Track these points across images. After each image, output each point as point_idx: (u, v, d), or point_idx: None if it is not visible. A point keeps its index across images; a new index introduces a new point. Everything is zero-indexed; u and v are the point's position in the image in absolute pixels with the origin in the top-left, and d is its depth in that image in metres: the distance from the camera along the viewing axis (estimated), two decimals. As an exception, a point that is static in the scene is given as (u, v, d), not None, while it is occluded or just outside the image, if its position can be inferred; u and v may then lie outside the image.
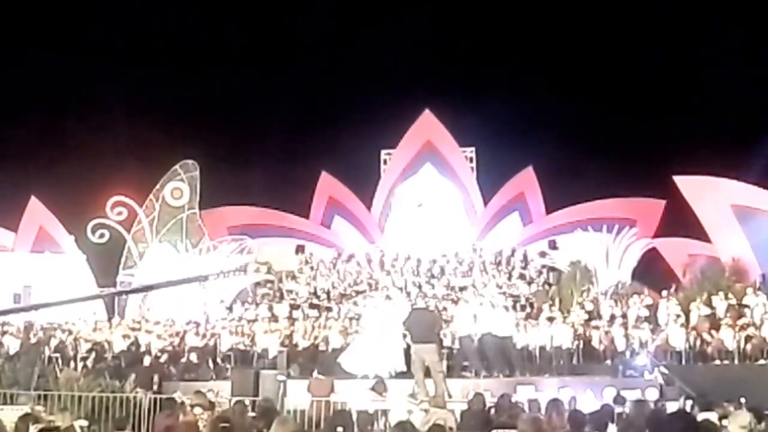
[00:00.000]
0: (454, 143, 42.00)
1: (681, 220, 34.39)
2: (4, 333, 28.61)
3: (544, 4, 42.57)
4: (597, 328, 26.35)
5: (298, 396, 20.43)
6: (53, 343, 27.57)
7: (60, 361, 25.79)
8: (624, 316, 27.52)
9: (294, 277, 37.38)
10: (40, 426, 8.46)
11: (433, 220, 40.46)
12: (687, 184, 33.11)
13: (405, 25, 43.04)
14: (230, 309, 33.12)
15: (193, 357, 26.90)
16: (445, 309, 29.61)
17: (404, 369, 21.48)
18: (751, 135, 33.82)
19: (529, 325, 26.49)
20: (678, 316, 26.08)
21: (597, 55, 40.32)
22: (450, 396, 18.03)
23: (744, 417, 8.27)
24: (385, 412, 16.16)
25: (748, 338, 24.44)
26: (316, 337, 27.23)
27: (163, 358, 26.72)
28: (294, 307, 32.80)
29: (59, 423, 10.72)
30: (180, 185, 38.87)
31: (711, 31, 37.79)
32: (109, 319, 32.03)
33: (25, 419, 9.08)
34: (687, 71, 37.85)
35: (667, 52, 39.37)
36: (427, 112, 41.81)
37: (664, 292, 28.31)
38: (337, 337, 26.36)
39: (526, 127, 39.87)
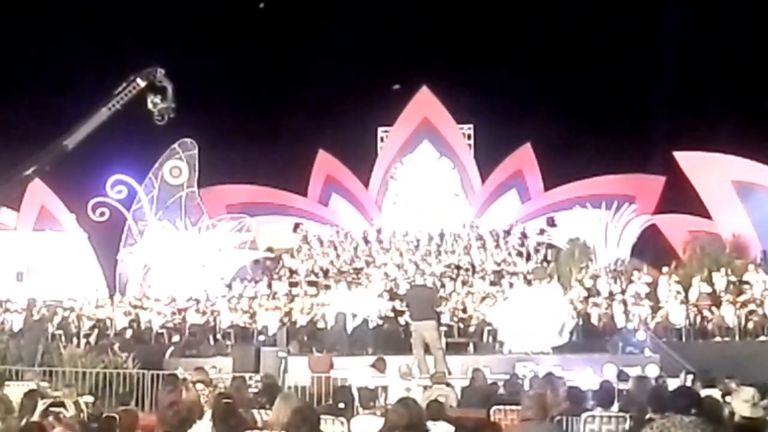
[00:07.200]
0: (451, 120, 41.98)
1: (681, 197, 34.40)
2: (7, 310, 28.77)
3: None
4: (596, 305, 26.38)
5: (298, 372, 20.48)
6: (56, 320, 27.65)
7: (63, 338, 25.88)
8: (623, 292, 27.57)
9: (293, 255, 37.47)
10: (47, 402, 8.49)
11: (431, 198, 40.52)
12: (687, 160, 33.09)
13: (402, 2, 42.99)
14: (230, 286, 33.20)
15: (194, 333, 27.07)
16: (443, 286, 29.73)
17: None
18: (752, 110, 33.85)
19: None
20: (678, 292, 26.14)
21: (595, 30, 40.24)
22: (450, 372, 18.10)
23: (747, 392, 8.32)
24: (385, 389, 16.17)
25: (748, 315, 24.48)
26: (315, 315, 27.32)
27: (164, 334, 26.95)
28: (293, 284, 32.89)
29: (65, 399, 10.74)
30: (179, 164, 38.81)
31: (711, 4, 37.73)
32: (111, 297, 32.16)
33: (32, 395, 9.10)
34: (687, 46, 37.75)
35: (666, 27, 39.23)
36: (424, 89, 41.77)
37: (665, 269, 28.38)
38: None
39: (524, 103, 39.89)
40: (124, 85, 22.53)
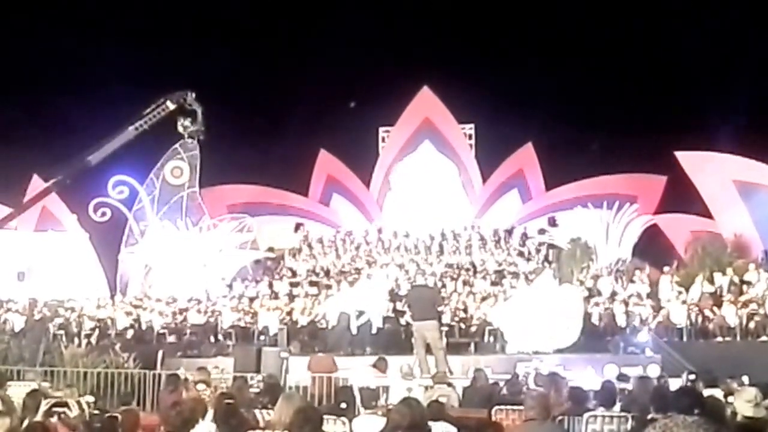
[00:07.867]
0: (452, 120, 41.93)
1: (682, 196, 34.29)
2: (8, 310, 28.77)
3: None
4: (597, 305, 26.36)
5: (299, 372, 20.47)
6: (57, 320, 27.67)
7: (64, 338, 25.91)
8: (625, 292, 27.53)
9: (294, 255, 37.47)
10: (50, 401, 8.49)
11: (432, 198, 40.42)
12: (689, 160, 32.99)
13: (402, 1, 42.99)
14: (231, 286, 33.19)
15: (195, 333, 27.09)
16: (444, 286, 29.71)
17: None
18: (753, 110, 33.80)
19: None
20: (679, 292, 26.10)
21: (596, 29, 40.22)
22: (451, 372, 18.09)
23: (750, 392, 8.30)
24: (386, 389, 16.17)
25: (750, 315, 24.41)
26: (316, 315, 27.32)
27: (165, 334, 26.98)
28: (294, 284, 32.87)
29: (67, 399, 10.74)
30: (180, 164, 38.79)
31: (711, 4, 37.71)
32: (112, 297, 32.18)
33: (35, 395, 9.11)
34: (688, 45, 37.72)
35: (668, 26, 39.22)
36: (425, 89, 41.72)
37: (666, 269, 28.31)
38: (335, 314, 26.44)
39: (525, 103, 39.78)
40: (153, 106, 22.61)
